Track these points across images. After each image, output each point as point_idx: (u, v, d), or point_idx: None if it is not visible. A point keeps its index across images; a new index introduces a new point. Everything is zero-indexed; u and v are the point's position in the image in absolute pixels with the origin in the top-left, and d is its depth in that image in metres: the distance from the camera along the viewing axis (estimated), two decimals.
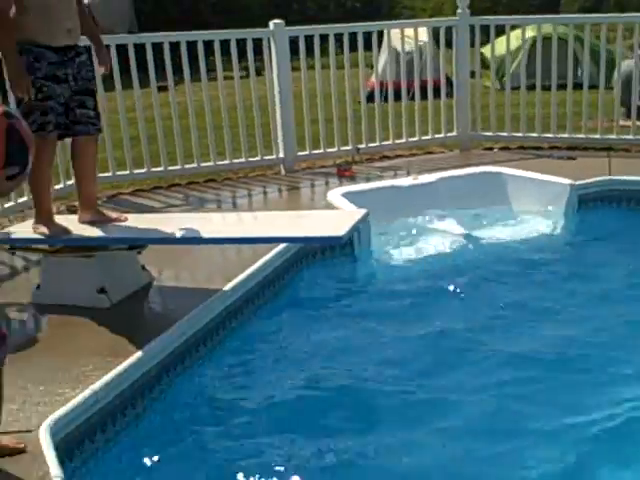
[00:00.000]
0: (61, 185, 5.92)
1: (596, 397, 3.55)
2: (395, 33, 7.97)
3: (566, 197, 5.75)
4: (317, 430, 3.38)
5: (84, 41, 4.25)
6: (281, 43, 6.87)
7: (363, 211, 4.23)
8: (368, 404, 3.66)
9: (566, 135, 7.37)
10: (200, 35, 6.71)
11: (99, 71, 4.42)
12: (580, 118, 7.32)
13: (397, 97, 7.36)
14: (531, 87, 7.48)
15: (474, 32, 7.52)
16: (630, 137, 7.27)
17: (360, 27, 7.29)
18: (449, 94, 7.67)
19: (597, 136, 7.31)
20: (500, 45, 8.25)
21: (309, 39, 6.93)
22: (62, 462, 2.72)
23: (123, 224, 4.25)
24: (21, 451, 2.73)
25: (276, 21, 6.92)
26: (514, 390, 3.64)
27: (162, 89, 6.66)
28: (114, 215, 4.34)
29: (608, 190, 5.94)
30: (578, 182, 5.86)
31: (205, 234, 4.00)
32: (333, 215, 4.77)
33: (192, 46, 6.50)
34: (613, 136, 7.29)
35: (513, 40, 8.00)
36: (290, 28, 7.03)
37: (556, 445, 3.21)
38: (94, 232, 4.12)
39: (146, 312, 4.09)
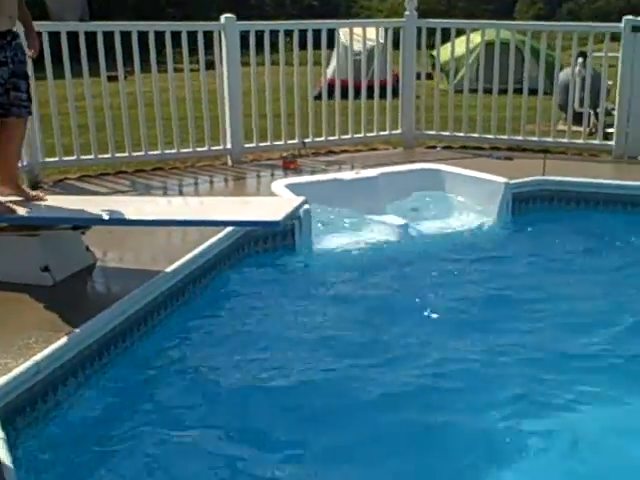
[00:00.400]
0: None
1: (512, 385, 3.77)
2: (348, 32, 8.17)
3: (501, 195, 6.00)
4: (252, 409, 3.54)
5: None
6: (232, 37, 6.99)
7: (301, 198, 4.41)
8: (301, 384, 3.78)
9: (505, 137, 7.67)
10: (152, 25, 6.80)
11: (29, 54, 4.53)
12: (523, 121, 7.62)
13: (347, 95, 7.55)
14: (485, 90, 7.70)
15: (424, 34, 7.73)
16: (565, 140, 7.59)
17: (310, 25, 7.45)
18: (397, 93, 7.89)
19: (535, 138, 7.62)
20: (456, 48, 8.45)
21: (261, 35, 7.08)
22: (4, 427, 2.83)
23: (68, 206, 4.36)
24: None
25: (227, 15, 7.04)
26: (439, 378, 3.85)
27: (113, 79, 6.73)
28: (33, 193, 4.52)
29: (540, 189, 6.22)
30: (512, 181, 6.12)
31: (149, 216, 4.13)
32: (272, 201, 4.95)
33: (145, 37, 6.58)
34: (550, 139, 7.60)
35: (463, 45, 8.25)
36: (241, 23, 7.15)
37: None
38: (39, 212, 4.22)
39: (89, 291, 4.19)
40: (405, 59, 7.79)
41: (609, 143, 7.55)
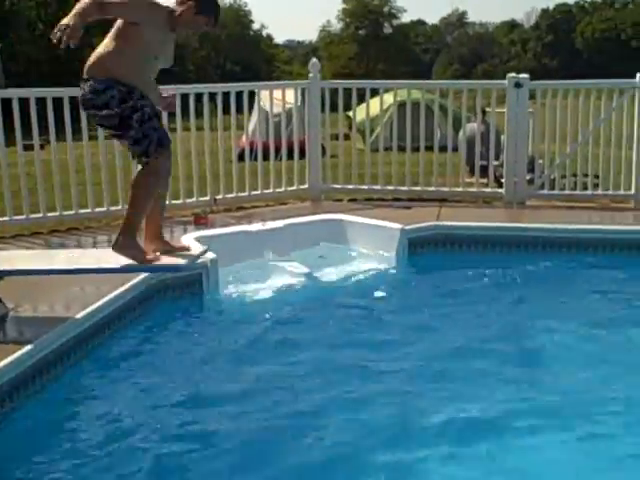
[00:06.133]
0: None
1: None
2: (266, 95, 8.67)
3: (397, 239, 6.46)
4: (154, 447, 3.76)
5: None
6: None
7: (203, 247, 4.74)
8: (203, 432, 3.95)
9: (405, 188, 8.19)
10: (66, 91, 7.09)
11: None
12: (424, 174, 8.18)
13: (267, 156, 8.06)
14: (399, 148, 8.24)
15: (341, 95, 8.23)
16: (460, 189, 8.17)
17: (219, 88, 7.92)
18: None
19: (432, 189, 8.16)
20: (370, 108, 9.02)
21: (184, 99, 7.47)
22: None
23: None
24: None
25: None
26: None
27: (29, 147, 7.01)
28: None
29: (433, 234, 6.70)
30: (408, 227, 6.59)
31: (57, 266, 4.40)
32: None
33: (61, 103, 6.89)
34: (445, 189, 8.16)
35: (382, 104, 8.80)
36: None
37: None
38: None
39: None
40: (310, 118, 8.29)
41: (499, 191, 8.15)
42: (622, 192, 7.90)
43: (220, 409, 4.17)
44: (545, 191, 8.10)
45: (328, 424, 3.99)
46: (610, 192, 7.95)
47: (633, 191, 7.83)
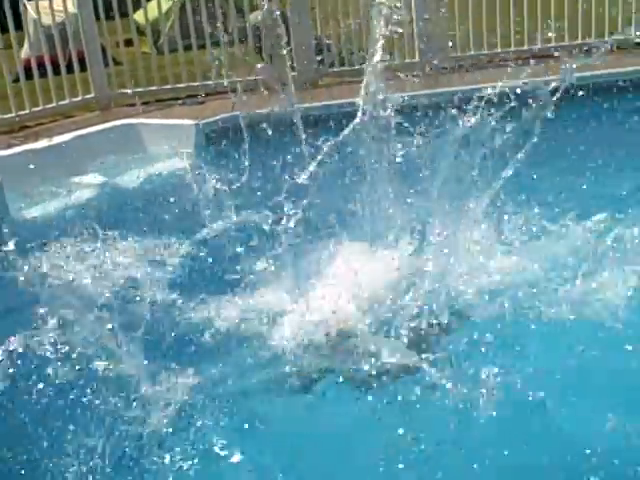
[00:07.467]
0: None
1: None
2: (41, 6, 7.98)
3: (193, 135, 6.30)
4: None
5: None
6: None
7: None
8: None
9: (197, 83, 7.96)
10: None
11: None
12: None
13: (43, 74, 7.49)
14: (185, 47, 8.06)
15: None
16: (253, 78, 8.02)
17: None
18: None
19: (224, 81, 7.95)
20: (152, 10, 8.61)
21: None
22: None
23: None
24: None
25: None
26: None
27: None
28: None
29: (229, 125, 6.56)
30: (202, 122, 6.42)
31: None
32: None
33: None
34: (240, 79, 7.99)
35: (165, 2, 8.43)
36: None
37: None
38: None
39: None
40: (84, 22, 7.76)
41: (292, 74, 8.07)
42: (400, 61, 8.00)
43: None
44: (336, 69, 8.14)
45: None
46: (396, 62, 8.08)
47: (417, 59, 8.02)
